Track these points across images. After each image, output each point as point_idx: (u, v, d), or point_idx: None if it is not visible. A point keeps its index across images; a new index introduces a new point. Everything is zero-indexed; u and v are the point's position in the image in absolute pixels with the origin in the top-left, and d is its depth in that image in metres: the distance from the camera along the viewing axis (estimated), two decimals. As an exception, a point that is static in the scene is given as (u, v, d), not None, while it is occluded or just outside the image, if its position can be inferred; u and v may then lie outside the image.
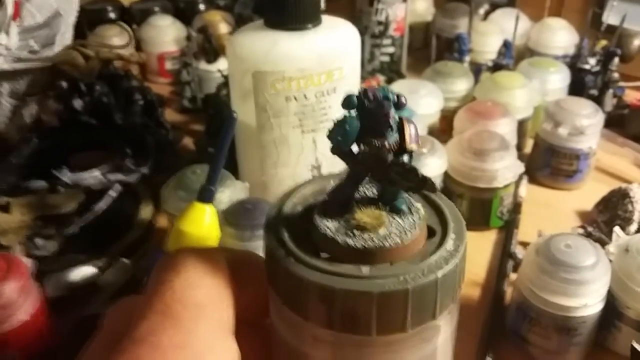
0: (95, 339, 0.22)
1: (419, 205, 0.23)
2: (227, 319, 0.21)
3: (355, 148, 0.22)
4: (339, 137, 0.21)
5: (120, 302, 0.24)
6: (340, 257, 0.21)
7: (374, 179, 0.22)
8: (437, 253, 0.21)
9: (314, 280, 0.20)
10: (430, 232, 0.22)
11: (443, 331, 0.23)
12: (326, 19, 0.51)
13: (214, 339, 0.20)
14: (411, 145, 0.21)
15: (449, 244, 0.21)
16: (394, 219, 0.22)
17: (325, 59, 0.49)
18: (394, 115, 0.21)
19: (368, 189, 0.23)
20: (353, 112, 0.21)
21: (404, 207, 0.22)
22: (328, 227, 0.21)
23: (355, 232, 0.21)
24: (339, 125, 0.21)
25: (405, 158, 0.22)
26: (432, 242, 0.22)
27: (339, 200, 0.22)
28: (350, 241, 0.20)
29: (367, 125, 0.21)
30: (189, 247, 0.23)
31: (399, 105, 0.22)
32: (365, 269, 0.20)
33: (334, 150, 0.22)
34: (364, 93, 0.21)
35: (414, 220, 0.22)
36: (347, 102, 0.21)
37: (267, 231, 0.22)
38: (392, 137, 0.21)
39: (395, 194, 0.22)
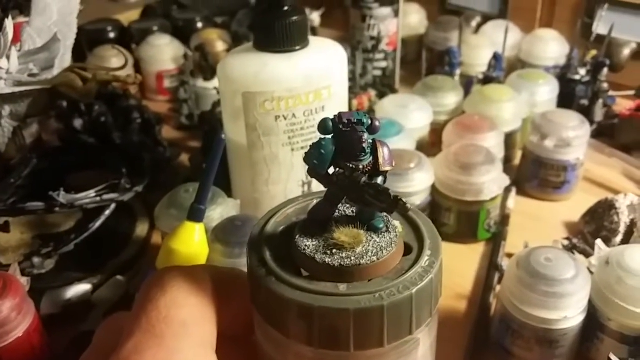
0: (85, 355, 0.24)
1: (397, 223, 0.24)
2: (209, 336, 0.23)
3: (332, 170, 0.23)
4: (315, 161, 0.22)
5: (109, 319, 0.25)
6: (319, 276, 0.22)
7: (349, 200, 0.23)
8: (413, 269, 0.22)
9: (293, 298, 0.21)
10: (408, 249, 0.24)
11: (422, 344, 0.24)
12: (314, 40, 0.53)
13: (196, 357, 0.21)
14: (385, 166, 0.23)
15: (425, 260, 0.22)
16: (372, 237, 0.23)
17: (313, 79, 0.51)
18: (367, 138, 0.22)
19: (348, 209, 0.25)
20: (329, 136, 0.23)
21: (382, 226, 0.23)
22: (307, 246, 0.22)
23: (334, 250, 0.22)
24: (315, 148, 0.22)
25: (380, 179, 0.23)
26: (408, 259, 0.23)
27: (318, 220, 0.23)
28: (328, 260, 0.21)
29: (342, 148, 0.22)
30: (175, 267, 0.24)
31: (372, 129, 0.23)
32: (342, 287, 0.21)
33: (310, 173, 0.23)
34: (338, 118, 0.22)
35: (391, 239, 0.23)
36: (322, 127, 0.22)
37: (250, 250, 0.23)
38: (366, 160, 0.22)
39: (373, 213, 0.23)
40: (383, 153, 0.23)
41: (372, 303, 0.20)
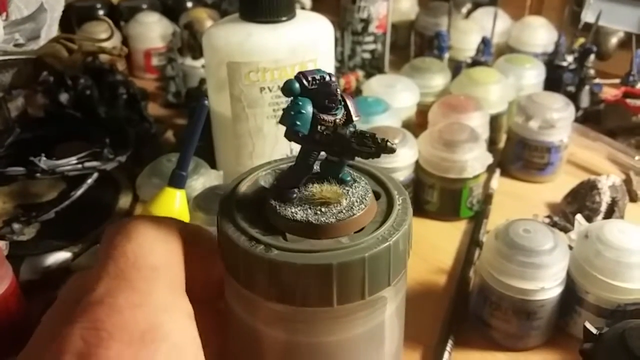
0: (51, 311, 0.23)
1: (354, 173, 0.24)
2: (179, 280, 0.23)
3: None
4: (297, 122, 0.22)
5: (73, 277, 0.25)
6: (290, 231, 0.22)
7: (332, 155, 0.23)
8: (393, 213, 0.22)
9: (245, 249, 0.21)
10: (376, 195, 0.24)
11: (389, 306, 0.24)
12: (300, 12, 0.52)
13: (168, 298, 0.21)
14: (356, 116, 0.23)
15: (397, 203, 0.23)
16: (347, 189, 0.23)
17: (299, 51, 0.50)
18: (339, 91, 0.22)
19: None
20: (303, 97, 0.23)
21: (349, 178, 0.23)
22: (295, 212, 0.22)
23: (323, 209, 0.22)
24: (294, 110, 0.22)
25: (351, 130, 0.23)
26: (382, 202, 0.23)
27: (294, 181, 0.23)
28: (323, 218, 0.21)
29: (317, 104, 0.22)
30: (140, 215, 0.24)
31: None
32: (344, 240, 0.21)
33: (289, 136, 0.22)
34: (303, 77, 0.22)
35: (363, 187, 0.23)
36: (288, 88, 0.22)
37: (220, 207, 0.23)
38: (340, 112, 0.22)
39: (339, 167, 0.23)
40: (353, 104, 0.23)
41: (320, 261, 0.20)
